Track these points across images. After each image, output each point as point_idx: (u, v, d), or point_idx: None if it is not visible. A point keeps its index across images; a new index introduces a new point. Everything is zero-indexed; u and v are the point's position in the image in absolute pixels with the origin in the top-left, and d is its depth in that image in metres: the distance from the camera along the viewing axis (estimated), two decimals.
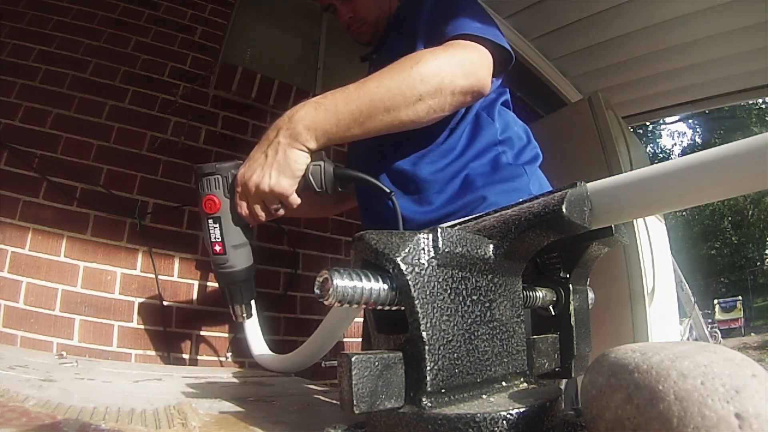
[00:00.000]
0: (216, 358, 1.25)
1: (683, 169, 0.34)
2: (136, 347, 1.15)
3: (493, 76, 0.77)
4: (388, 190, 0.74)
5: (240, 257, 0.74)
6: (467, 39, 0.72)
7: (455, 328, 0.32)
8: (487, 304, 0.34)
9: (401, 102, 0.66)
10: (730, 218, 18.66)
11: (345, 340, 1.51)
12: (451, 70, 0.68)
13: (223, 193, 0.72)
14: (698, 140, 19.31)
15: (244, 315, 0.81)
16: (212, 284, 1.30)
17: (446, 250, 0.32)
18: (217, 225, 0.72)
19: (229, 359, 1.26)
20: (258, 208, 0.70)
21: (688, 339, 5.09)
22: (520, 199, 0.40)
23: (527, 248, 0.37)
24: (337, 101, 0.67)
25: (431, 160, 0.81)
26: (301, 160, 0.67)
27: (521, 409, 0.29)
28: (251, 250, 0.77)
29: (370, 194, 0.86)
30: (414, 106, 0.67)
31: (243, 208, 0.71)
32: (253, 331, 0.93)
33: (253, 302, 0.83)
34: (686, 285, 4.69)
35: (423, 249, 0.31)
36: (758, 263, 18.83)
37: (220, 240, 0.72)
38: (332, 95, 0.68)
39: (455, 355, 0.31)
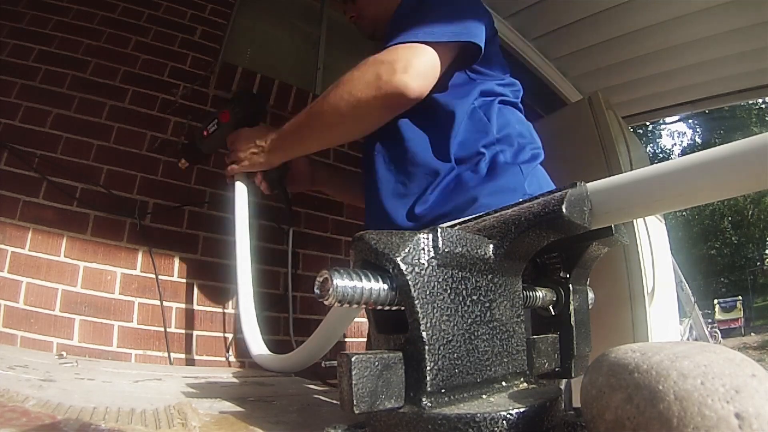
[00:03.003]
0: (216, 358, 1.25)
1: (683, 169, 0.34)
2: (136, 347, 1.14)
3: (458, 69, 0.82)
4: (288, 211, 1.07)
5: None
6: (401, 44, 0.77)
7: (455, 328, 0.32)
8: (487, 304, 0.34)
9: (328, 124, 0.82)
10: (730, 218, 18.64)
11: (345, 340, 1.51)
12: (359, 88, 0.76)
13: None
14: (698, 140, 19.29)
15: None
16: (212, 284, 1.30)
17: (446, 250, 0.32)
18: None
19: (229, 359, 1.26)
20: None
21: (688, 339, 5.09)
22: (515, 200, 0.40)
23: (527, 248, 0.37)
24: (287, 127, 0.89)
25: (424, 160, 0.82)
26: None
27: (521, 409, 0.29)
28: None
29: (376, 191, 0.88)
30: (338, 128, 0.82)
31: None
32: (252, 330, 0.93)
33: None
34: (686, 285, 4.68)
35: (423, 249, 0.31)
36: (758, 263, 18.83)
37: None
38: (289, 123, 0.89)
39: (455, 355, 0.31)
